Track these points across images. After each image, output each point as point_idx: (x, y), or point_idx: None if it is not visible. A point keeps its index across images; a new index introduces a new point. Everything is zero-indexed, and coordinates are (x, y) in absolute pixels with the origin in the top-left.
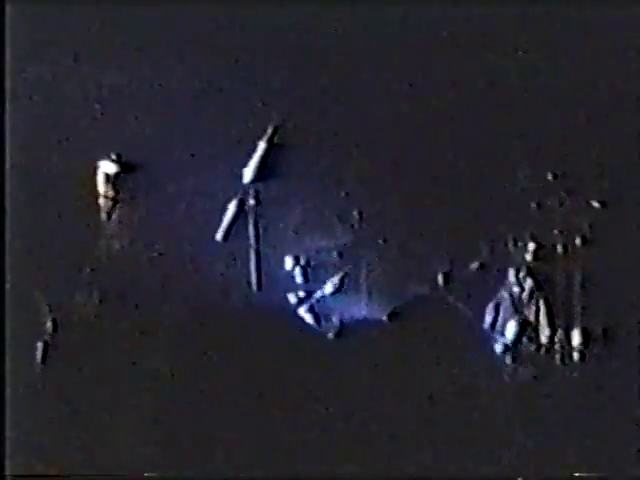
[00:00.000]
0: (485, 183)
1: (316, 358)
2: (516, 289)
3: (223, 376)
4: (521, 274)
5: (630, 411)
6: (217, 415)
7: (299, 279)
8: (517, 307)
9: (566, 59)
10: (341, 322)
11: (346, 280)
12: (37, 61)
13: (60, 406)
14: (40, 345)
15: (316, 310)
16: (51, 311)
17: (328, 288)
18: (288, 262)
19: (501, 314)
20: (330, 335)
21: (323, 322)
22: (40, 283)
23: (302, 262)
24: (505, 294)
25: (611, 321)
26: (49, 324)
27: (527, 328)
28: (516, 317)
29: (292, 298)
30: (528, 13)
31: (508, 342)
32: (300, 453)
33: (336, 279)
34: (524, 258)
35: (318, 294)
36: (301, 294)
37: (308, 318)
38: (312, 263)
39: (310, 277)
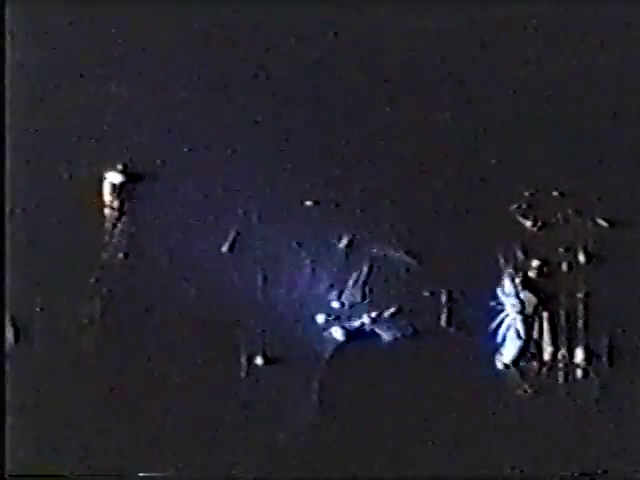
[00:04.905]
0: (490, 200)
1: (320, 367)
2: (519, 306)
3: (224, 383)
4: (525, 291)
5: (633, 428)
6: (220, 418)
7: (305, 289)
8: (520, 325)
9: (572, 75)
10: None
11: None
12: (41, 71)
13: (60, 406)
14: (40, 347)
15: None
16: (53, 317)
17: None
18: (293, 273)
19: (504, 332)
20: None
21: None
22: (43, 292)
23: (307, 273)
24: (509, 311)
25: (614, 339)
26: (45, 330)
27: (529, 346)
28: (519, 335)
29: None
30: (536, 34)
31: (509, 360)
32: (301, 460)
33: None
34: (528, 275)
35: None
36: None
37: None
38: (317, 274)
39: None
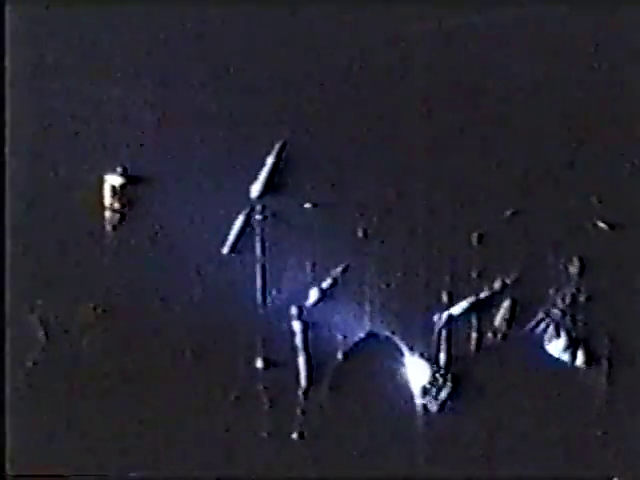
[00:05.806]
0: (488, 201)
1: (322, 372)
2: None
3: (225, 387)
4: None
5: (635, 430)
6: (220, 420)
7: (303, 293)
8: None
9: (571, 76)
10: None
11: (344, 293)
12: (40, 74)
13: (60, 406)
14: (40, 348)
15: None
16: (54, 319)
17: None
18: (293, 276)
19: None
20: (339, 355)
21: (320, 335)
22: (43, 295)
23: (306, 276)
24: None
25: (615, 341)
26: (45, 332)
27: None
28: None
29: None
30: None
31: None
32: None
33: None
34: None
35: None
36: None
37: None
38: (317, 277)
39: (315, 291)
